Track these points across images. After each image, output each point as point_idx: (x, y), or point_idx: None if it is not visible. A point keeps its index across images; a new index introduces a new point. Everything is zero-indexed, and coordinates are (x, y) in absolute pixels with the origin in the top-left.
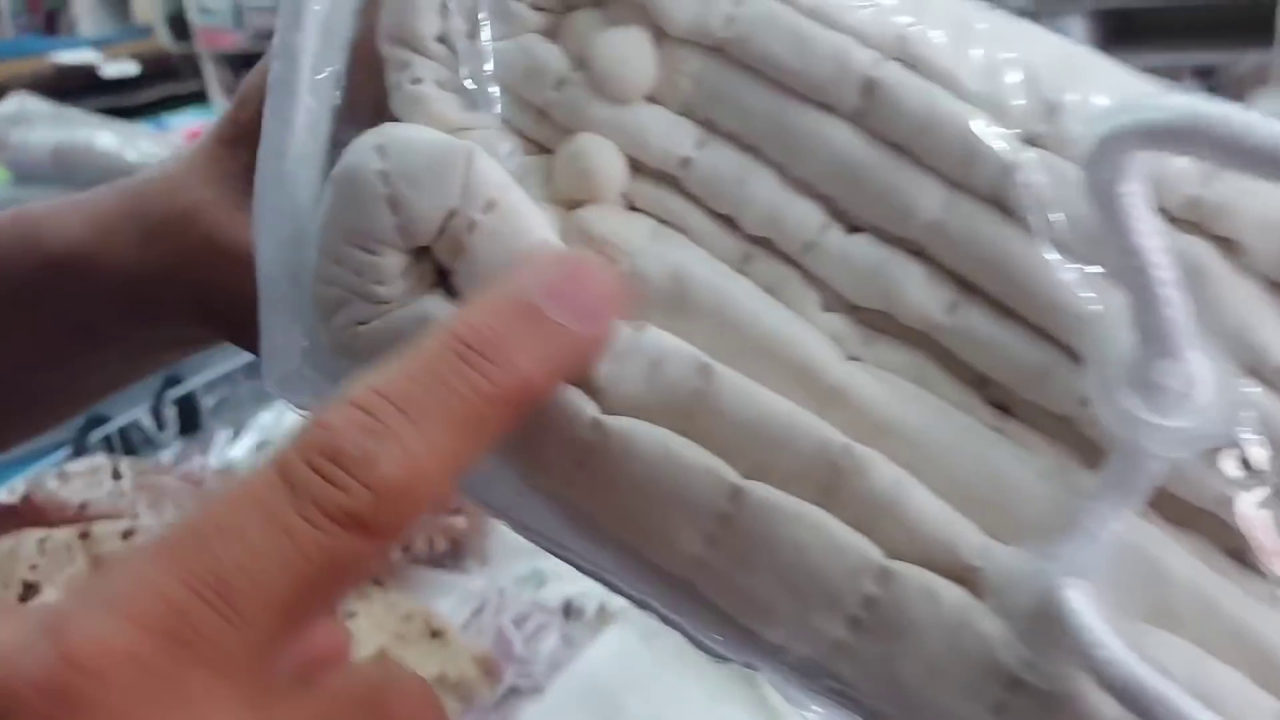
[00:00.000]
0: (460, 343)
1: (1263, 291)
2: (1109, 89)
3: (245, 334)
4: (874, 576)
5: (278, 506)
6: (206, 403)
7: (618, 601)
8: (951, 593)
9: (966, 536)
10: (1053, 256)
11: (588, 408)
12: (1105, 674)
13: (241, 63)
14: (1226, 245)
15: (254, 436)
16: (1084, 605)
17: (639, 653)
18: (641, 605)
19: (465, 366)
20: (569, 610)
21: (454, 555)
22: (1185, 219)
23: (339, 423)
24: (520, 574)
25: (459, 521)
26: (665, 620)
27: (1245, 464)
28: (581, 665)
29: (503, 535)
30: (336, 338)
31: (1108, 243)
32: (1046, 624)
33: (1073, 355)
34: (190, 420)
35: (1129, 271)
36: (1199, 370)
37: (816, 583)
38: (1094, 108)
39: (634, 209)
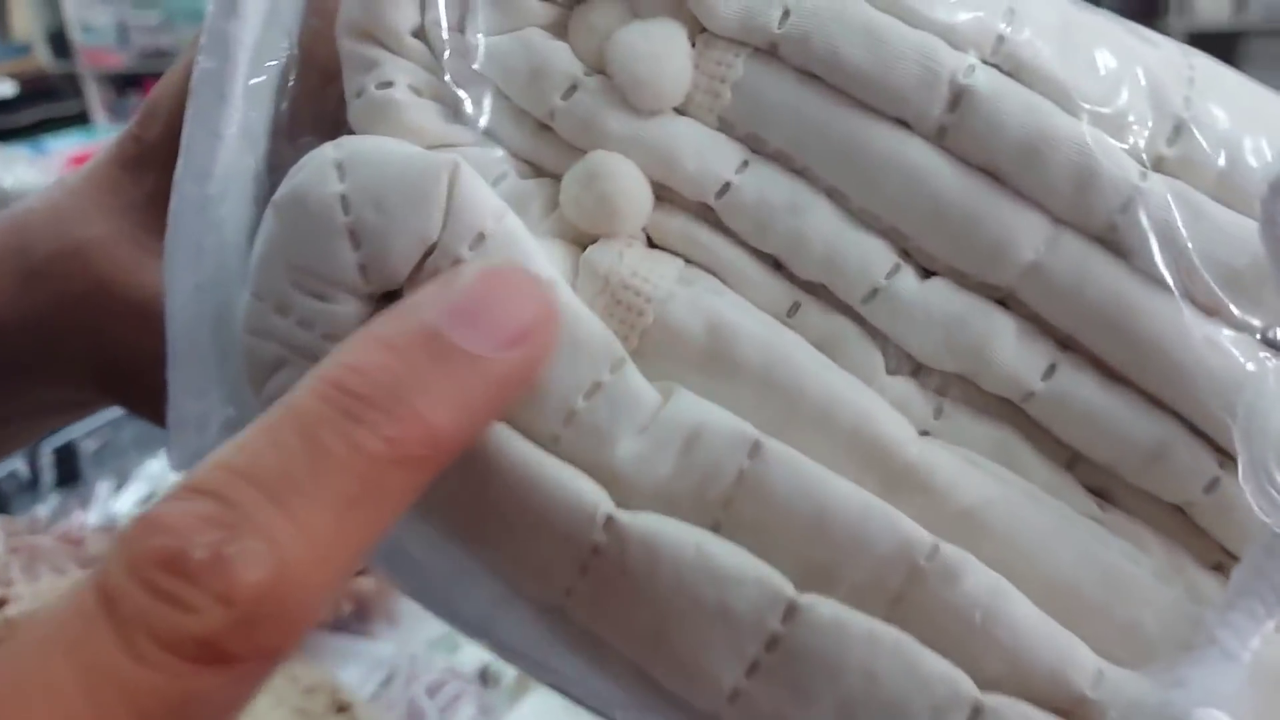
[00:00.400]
0: (340, 391)
1: None
2: (1239, 104)
3: (147, 399)
4: (965, 715)
5: (99, 647)
6: (87, 449)
7: None
8: None
9: (1077, 659)
10: (1183, 307)
11: (600, 502)
12: None
13: (126, 83)
14: None
15: (140, 488)
16: None
17: None
18: None
19: (348, 422)
20: (486, 677)
21: (360, 619)
22: None
23: (178, 518)
24: (432, 637)
25: (365, 582)
26: None
27: None
28: None
29: None
30: None
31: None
32: None
33: (1193, 430)
34: (69, 470)
35: None
36: None
37: None
38: (1227, 127)
39: (654, 245)
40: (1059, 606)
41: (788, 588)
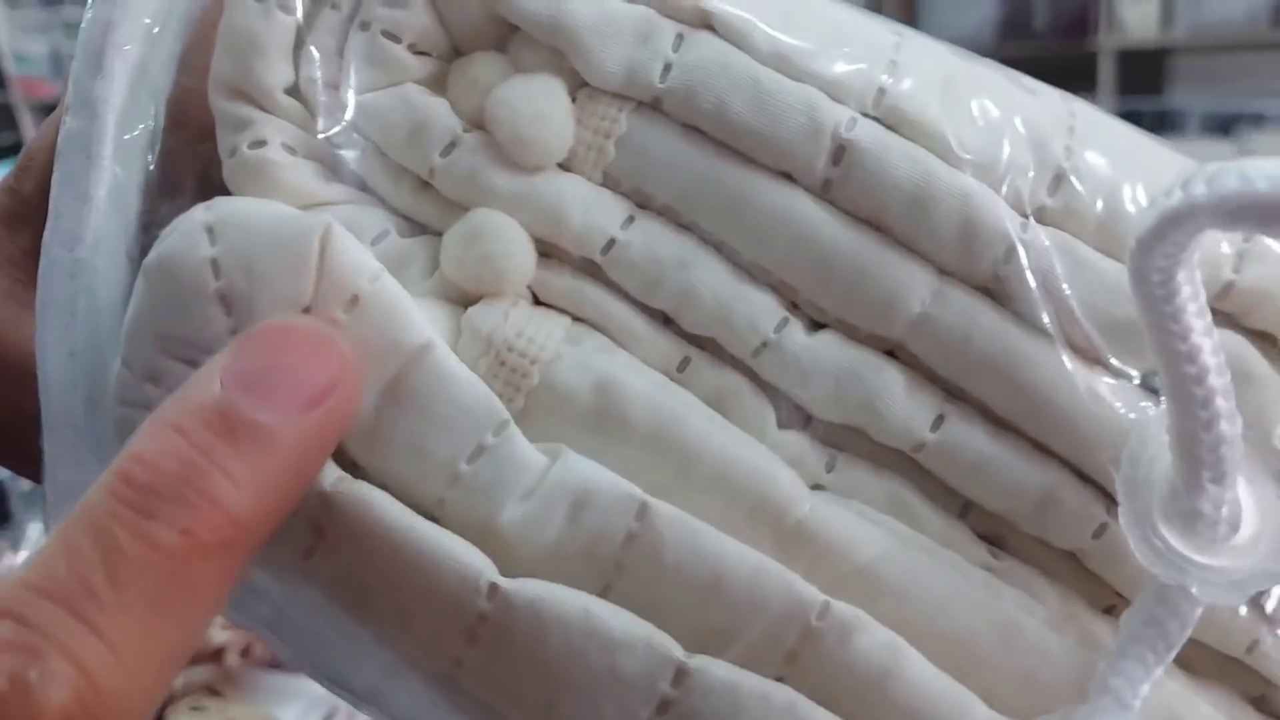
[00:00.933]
0: (129, 485)
1: None
2: (1119, 151)
3: (30, 461)
4: None
5: None
6: (17, 489)
7: None
8: None
9: (971, 715)
10: (1065, 356)
11: (484, 569)
12: None
13: None
14: (1261, 339)
15: None
16: None
17: None
18: None
19: (140, 518)
20: None
21: None
22: (1218, 309)
23: None
24: None
25: None
26: None
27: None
28: None
29: None
30: None
31: (1153, 341)
32: None
33: (1081, 476)
34: None
35: (1180, 378)
36: (1247, 498)
37: None
38: (1106, 175)
39: (540, 303)
40: (953, 661)
41: (677, 650)
